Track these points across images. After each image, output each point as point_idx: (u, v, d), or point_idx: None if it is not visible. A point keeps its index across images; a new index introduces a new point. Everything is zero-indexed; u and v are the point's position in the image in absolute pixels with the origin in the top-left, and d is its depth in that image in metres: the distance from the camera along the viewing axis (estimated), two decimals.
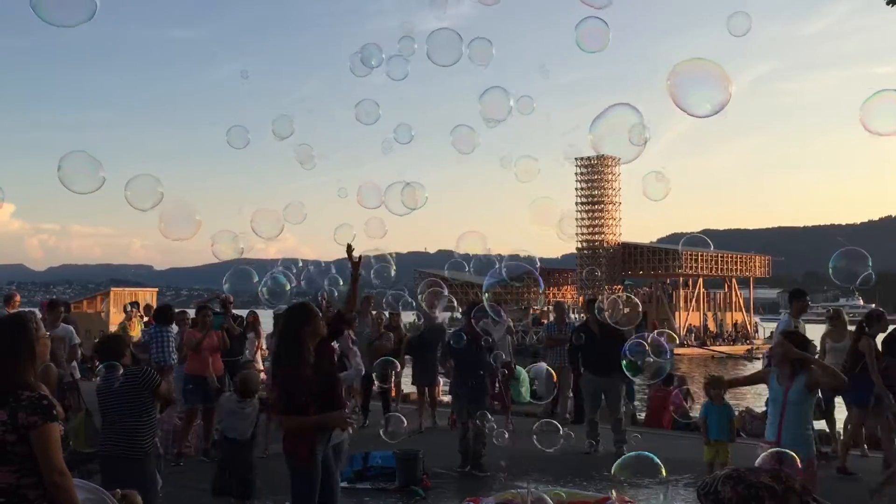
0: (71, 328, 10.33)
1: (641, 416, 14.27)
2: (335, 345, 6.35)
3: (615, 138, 5.76)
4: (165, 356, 10.45)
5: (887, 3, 10.07)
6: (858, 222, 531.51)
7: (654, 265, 75.92)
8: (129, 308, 16.93)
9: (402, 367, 13.75)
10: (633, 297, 11.35)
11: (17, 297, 12.48)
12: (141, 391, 5.41)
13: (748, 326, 76.83)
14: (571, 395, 12.58)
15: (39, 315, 7.51)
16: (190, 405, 9.64)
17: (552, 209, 7.20)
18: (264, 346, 13.06)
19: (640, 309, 9.84)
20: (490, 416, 8.58)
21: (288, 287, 7.22)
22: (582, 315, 11.74)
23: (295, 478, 5.26)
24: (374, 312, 12.42)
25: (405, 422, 7.87)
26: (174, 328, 11.02)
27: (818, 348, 10.40)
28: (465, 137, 7.54)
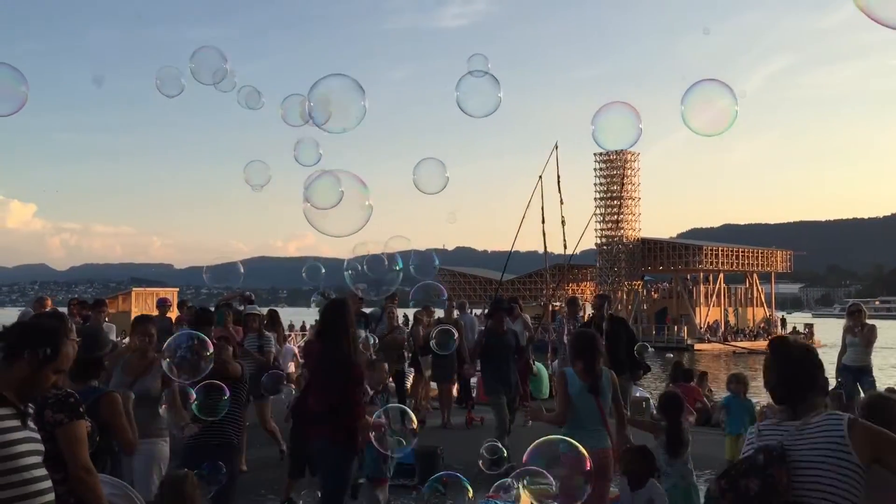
0: (113, 326, 10.89)
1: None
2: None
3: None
4: None
5: None
6: (882, 216, 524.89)
7: (674, 261, 75.34)
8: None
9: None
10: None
11: (49, 302, 11.62)
12: None
13: (770, 322, 76.14)
14: None
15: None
16: None
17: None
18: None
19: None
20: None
21: None
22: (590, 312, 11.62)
23: (349, 460, 5.73)
24: (396, 310, 12.42)
25: None
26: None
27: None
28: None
